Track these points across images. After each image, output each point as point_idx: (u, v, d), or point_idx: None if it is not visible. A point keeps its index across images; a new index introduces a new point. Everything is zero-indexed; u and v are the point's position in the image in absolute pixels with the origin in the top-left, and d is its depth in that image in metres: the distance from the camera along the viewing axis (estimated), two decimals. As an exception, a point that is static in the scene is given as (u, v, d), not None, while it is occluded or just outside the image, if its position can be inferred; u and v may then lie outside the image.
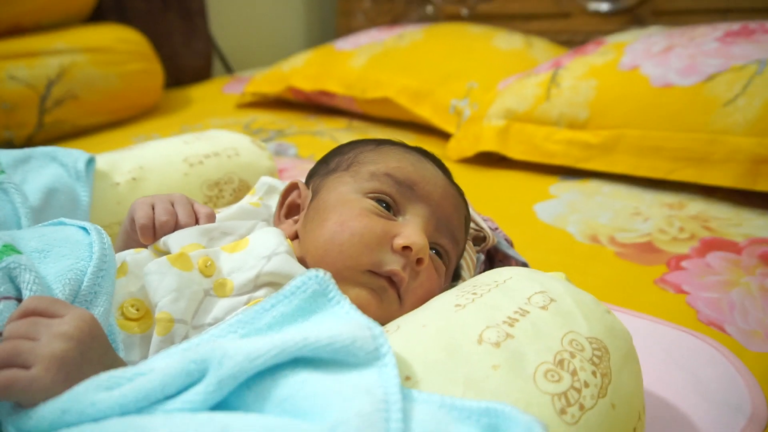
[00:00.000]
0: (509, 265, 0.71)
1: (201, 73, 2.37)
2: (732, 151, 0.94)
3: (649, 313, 0.67)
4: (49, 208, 0.61)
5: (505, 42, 1.57)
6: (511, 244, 0.74)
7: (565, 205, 0.99)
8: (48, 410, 0.30)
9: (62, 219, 0.47)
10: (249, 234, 0.52)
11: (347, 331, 0.32)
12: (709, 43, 1.07)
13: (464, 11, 2.12)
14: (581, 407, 0.35)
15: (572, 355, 0.38)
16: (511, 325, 0.40)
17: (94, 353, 0.34)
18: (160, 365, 0.31)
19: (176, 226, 0.51)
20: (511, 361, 0.36)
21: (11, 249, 0.39)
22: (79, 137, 1.64)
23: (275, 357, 0.31)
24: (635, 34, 1.25)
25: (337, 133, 1.56)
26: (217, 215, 0.56)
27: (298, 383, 0.30)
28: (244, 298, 0.45)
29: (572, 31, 1.89)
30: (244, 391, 0.31)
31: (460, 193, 0.61)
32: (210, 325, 0.43)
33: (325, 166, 0.60)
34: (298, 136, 1.56)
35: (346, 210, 0.52)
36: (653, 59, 1.09)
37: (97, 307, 0.39)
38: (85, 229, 0.44)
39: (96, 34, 1.76)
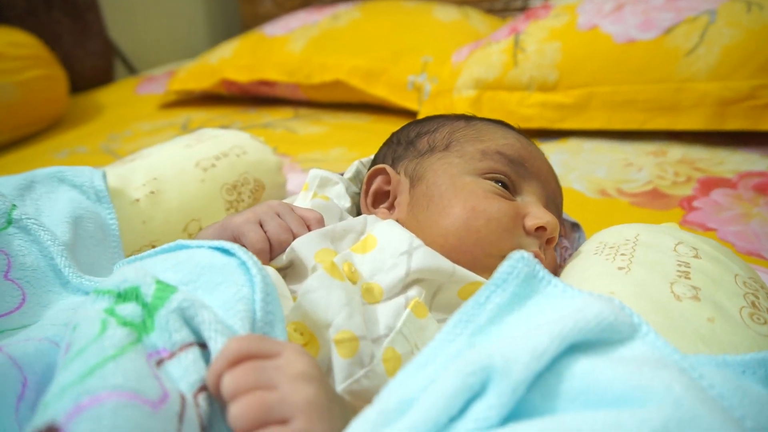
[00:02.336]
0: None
1: (101, 76, 2.14)
2: (699, 96, 1.01)
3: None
4: (79, 241, 0.51)
5: (444, 14, 1.57)
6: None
7: (560, 166, 1.02)
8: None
9: (180, 242, 0.38)
10: (367, 230, 0.46)
11: (606, 308, 0.30)
12: (655, -1, 1.14)
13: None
14: (793, 344, 0.36)
15: (755, 296, 0.39)
16: (687, 278, 0.40)
17: (330, 389, 0.29)
18: (430, 387, 0.26)
19: None
20: (718, 312, 0.36)
21: (168, 286, 0.31)
22: (-16, 160, 1.41)
23: (557, 348, 0.28)
24: (577, -4, 1.31)
25: (288, 123, 1.48)
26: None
27: (587, 373, 0.27)
28: (400, 300, 0.41)
29: None
30: (526, 394, 0.27)
31: None
32: (385, 336, 0.38)
33: (412, 149, 0.56)
34: (248, 130, 1.44)
35: (471, 194, 0.48)
36: (608, 18, 1.14)
37: (276, 337, 0.33)
38: (221, 249, 0.36)
39: (-18, 38, 1.51)
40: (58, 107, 1.65)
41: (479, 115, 1.18)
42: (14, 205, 0.49)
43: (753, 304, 0.38)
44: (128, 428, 0.22)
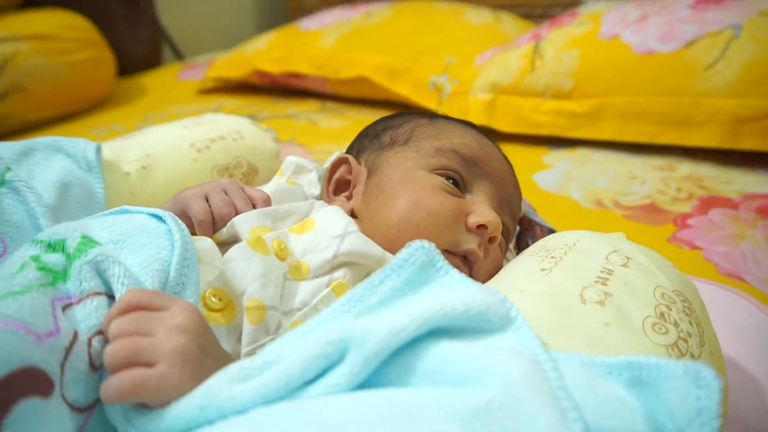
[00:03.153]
0: (534, 232, 0.72)
1: (149, 61, 2.24)
2: (714, 112, 0.98)
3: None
4: (65, 205, 0.56)
5: (476, 17, 1.58)
6: (534, 210, 0.75)
7: (563, 174, 1.01)
8: (183, 408, 0.27)
9: (125, 207, 0.43)
10: (310, 214, 0.49)
11: (479, 298, 0.32)
12: (682, 11, 1.11)
13: (424, -13, 2.10)
14: (692, 356, 0.36)
15: (669, 308, 0.39)
16: (604, 284, 0.40)
17: (210, 345, 0.32)
18: (293, 351, 0.29)
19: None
20: (620, 318, 0.37)
21: (90, 241, 0.35)
22: (29, 133, 1.52)
23: (417, 329, 0.29)
24: (606, 5, 1.29)
25: (312, 115, 1.52)
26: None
27: (444, 353, 0.29)
28: (324, 279, 0.43)
29: (530, 4, 1.92)
30: (383, 368, 0.29)
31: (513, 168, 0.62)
32: (298, 310, 0.41)
33: (375, 141, 0.58)
34: (273, 120, 1.51)
35: (418, 187, 0.50)
36: (631, 27, 1.13)
37: (187, 299, 0.36)
38: (157, 216, 0.40)
39: (38, 19, 1.62)
40: (103, 88, 1.75)
41: (493, 119, 1.20)
42: (8, 168, 0.54)
43: (662, 315, 0.38)
44: (3, 348, 0.26)
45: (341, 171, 0.57)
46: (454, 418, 0.25)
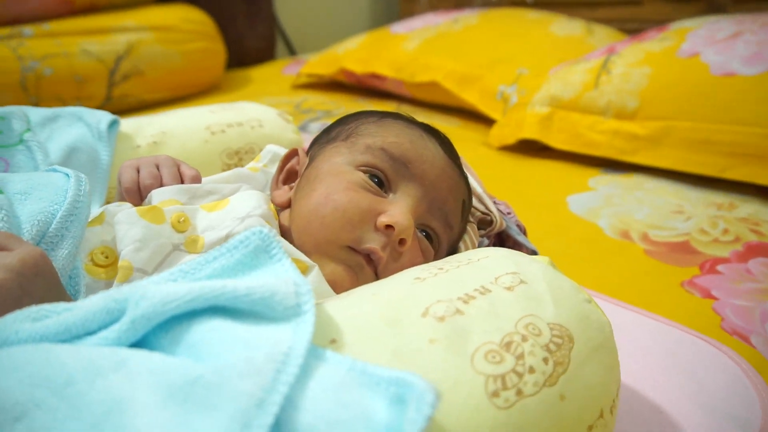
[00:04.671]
0: (520, 252, 0.67)
1: (264, 55, 2.43)
2: (796, 148, 0.84)
3: (667, 316, 0.61)
4: (69, 166, 0.64)
5: (563, 28, 1.50)
6: (524, 231, 0.71)
7: (601, 199, 0.93)
8: (-24, 334, 0.31)
9: (55, 167, 0.49)
10: (232, 195, 0.52)
11: (269, 285, 0.32)
12: (783, 30, 0.97)
13: (529, -3, 2.04)
14: (519, 392, 0.33)
15: (524, 339, 0.35)
16: (465, 302, 0.37)
17: (36, 288, 0.36)
18: (86, 302, 0.32)
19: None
20: (452, 338, 0.34)
21: None
22: (144, 111, 1.73)
23: (190, 302, 0.30)
24: (703, 20, 1.15)
25: (382, 116, 1.55)
26: (212, 177, 0.57)
27: (209, 330, 0.30)
28: (212, 255, 0.46)
29: (641, 19, 1.77)
30: (161, 333, 0.31)
31: (462, 176, 0.58)
32: (171, 277, 0.44)
33: (326, 135, 0.60)
34: (345, 117, 1.56)
35: (335, 182, 0.51)
36: (716, 46, 1.00)
37: (62, 250, 0.41)
38: (67, 175, 0.46)
39: (164, 13, 1.84)
40: (213, 76, 1.94)
41: (547, 134, 1.14)
42: (28, 129, 0.64)
43: (507, 344, 0.34)
44: None
45: (292, 162, 0.59)
46: (165, 383, 0.26)
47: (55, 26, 1.62)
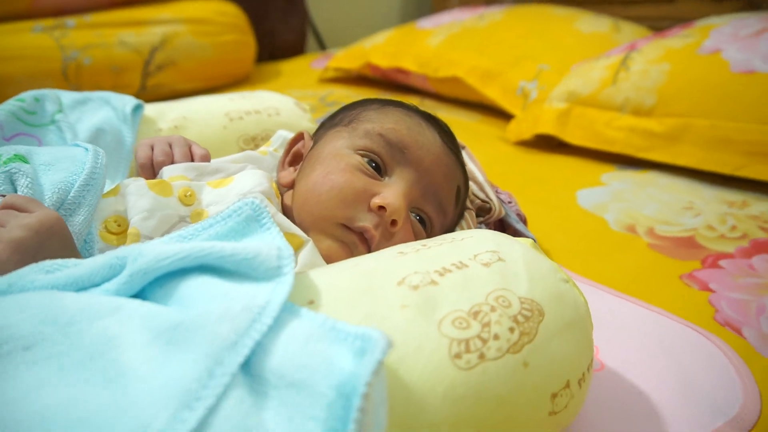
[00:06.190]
0: (518, 240, 0.69)
1: (295, 49, 2.48)
2: (813, 147, 0.83)
3: (662, 307, 0.62)
4: (96, 145, 0.69)
5: (589, 25, 1.49)
6: (524, 220, 0.72)
7: (611, 194, 0.93)
8: (-2, 283, 0.35)
9: (77, 142, 0.54)
10: (237, 173, 0.56)
11: (253, 247, 0.35)
12: (809, 27, 0.95)
13: (560, -6, 2.02)
14: (481, 356, 0.35)
15: (492, 309, 0.38)
16: (441, 275, 0.40)
17: (51, 246, 0.40)
18: (92, 259, 0.36)
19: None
20: (423, 305, 0.37)
21: (20, 158, 0.46)
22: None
23: (182, 260, 0.34)
24: (730, 17, 1.13)
25: (404, 110, 1.58)
26: (222, 158, 0.61)
27: (197, 285, 0.33)
28: (214, 227, 0.49)
29: (675, 17, 1.74)
30: (156, 288, 0.35)
31: (459, 163, 0.60)
32: (175, 245, 0.47)
33: (330, 120, 0.63)
34: (367, 110, 1.59)
35: (334, 163, 0.54)
36: (739, 43, 0.99)
37: (78, 216, 0.45)
38: (86, 149, 0.50)
39: (198, 6, 1.90)
40: (243, 68, 1.99)
41: (564, 129, 1.14)
42: (60, 110, 0.69)
43: (475, 313, 0.36)
44: None
45: (298, 145, 0.62)
46: (153, 326, 0.30)
47: (96, 18, 1.70)
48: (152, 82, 1.75)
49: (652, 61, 1.06)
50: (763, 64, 0.92)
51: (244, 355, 0.28)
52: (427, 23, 1.80)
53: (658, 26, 1.67)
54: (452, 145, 0.60)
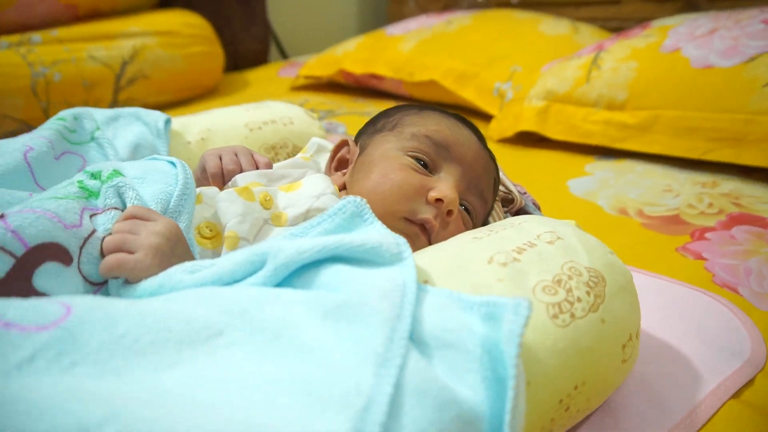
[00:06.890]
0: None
1: (258, 58, 2.49)
2: (768, 131, 0.95)
3: (665, 275, 0.71)
4: (135, 160, 0.72)
5: (551, 28, 1.60)
6: (538, 208, 0.80)
7: (598, 182, 1.03)
8: (149, 284, 0.39)
9: (155, 156, 0.57)
10: (302, 178, 0.60)
11: (376, 237, 0.40)
12: (754, 25, 1.08)
13: (514, -2, 2.14)
14: (572, 315, 0.42)
15: (570, 278, 0.45)
16: (519, 253, 0.46)
17: (179, 250, 0.43)
18: (230, 257, 0.40)
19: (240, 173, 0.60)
20: (515, 277, 0.43)
21: (118, 173, 0.49)
22: (149, 114, 1.78)
23: (319, 252, 0.39)
24: (682, 18, 1.27)
25: (384, 113, 1.64)
26: (278, 164, 0.65)
27: (335, 272, 0.38)
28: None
29: (622, 17, 1.89)
30: (293, 279, 0.39)
31: (492, 158, 0.68)
32: (268, 245, 0.51)
33: (372, 126, 0.68)
34: (347, 116, 1.64)
35: (389, 164, 0.59)
36: (695, 41, 1.11)
37: (181, 223, 0.48)
38: (172, 163, 0.53)
39: (165, 18, 1.89)
40: (213, 78, 2.00)
41: (544, 125, 1.24)
42: (98, 128, 0.71)
43: (558, 281, 0.43)
44: (39, 227, 0.39)
45: (342, 151, 0.67)
46: (318, 307, 0.34)
47: (63, 33, 1.66)
48: (124, 96, 1.73)
49: (620, 59, 1.17)
50: (718, 60, 1.05)
51: (409, 323, 0.34)
52: (395, 30, 1.87)
53: (607, 26, 1.82)
54: (484, 142, 0.67)
